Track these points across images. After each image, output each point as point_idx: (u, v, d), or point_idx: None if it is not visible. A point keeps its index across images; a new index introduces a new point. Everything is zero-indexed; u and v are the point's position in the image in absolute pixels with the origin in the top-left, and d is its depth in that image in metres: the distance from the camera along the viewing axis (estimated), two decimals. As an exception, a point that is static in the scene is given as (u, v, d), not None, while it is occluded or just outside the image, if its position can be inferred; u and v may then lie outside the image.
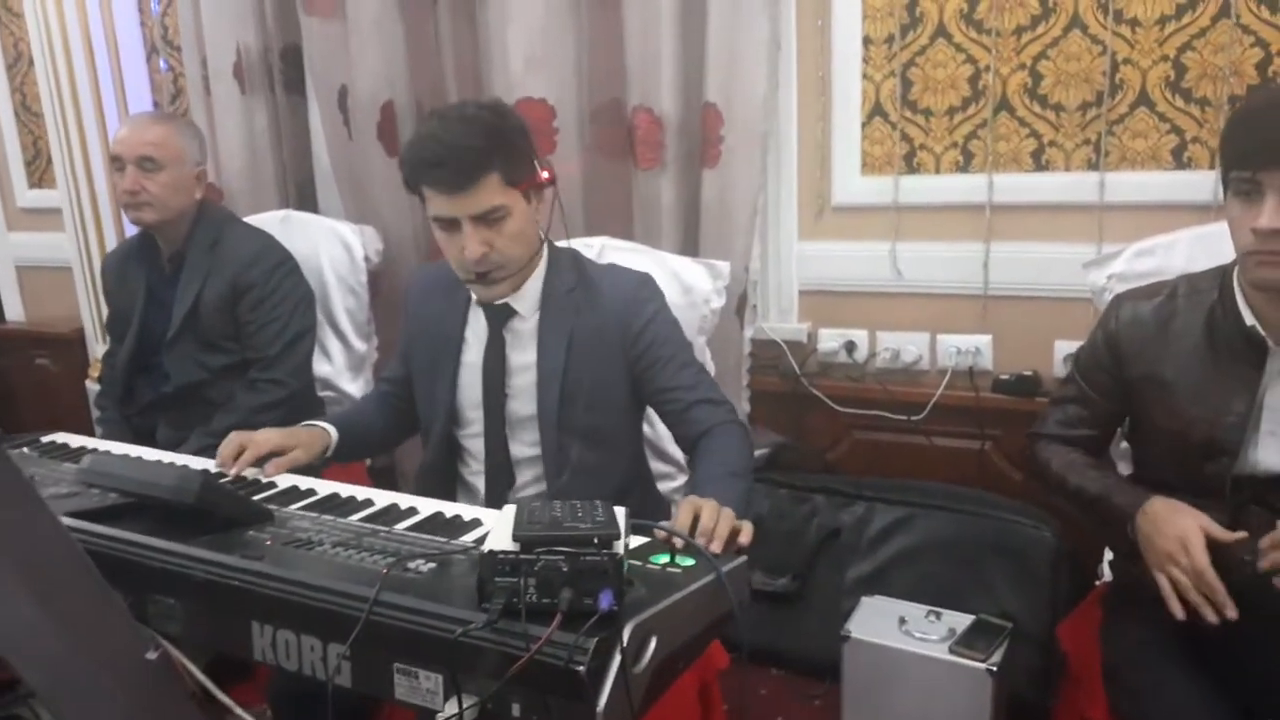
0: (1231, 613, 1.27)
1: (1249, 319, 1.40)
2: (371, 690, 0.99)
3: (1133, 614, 1.50)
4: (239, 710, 1.03)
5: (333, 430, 1.70)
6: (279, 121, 2.85)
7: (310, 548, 1.12)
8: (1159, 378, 1.48)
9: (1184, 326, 1.47)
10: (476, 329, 1.69)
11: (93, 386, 3.14)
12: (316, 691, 1.02)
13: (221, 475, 1.50)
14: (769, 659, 2.37)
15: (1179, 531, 1.33)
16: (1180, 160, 2.04)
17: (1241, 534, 1.32)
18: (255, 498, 1.33)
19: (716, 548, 1.16)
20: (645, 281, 1.68)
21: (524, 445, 1.66)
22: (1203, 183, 2.00)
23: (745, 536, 1.23)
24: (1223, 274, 1.47)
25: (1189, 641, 1.37)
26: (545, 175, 1.58)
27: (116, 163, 2.15)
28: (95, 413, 2.44)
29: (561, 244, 1.70)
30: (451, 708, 0.92)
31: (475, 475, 1.71)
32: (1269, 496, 1.41)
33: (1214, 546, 1.31)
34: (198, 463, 1.56)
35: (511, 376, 1.65)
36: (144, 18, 3.13)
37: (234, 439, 1.55)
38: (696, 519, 1.22)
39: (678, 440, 1.66)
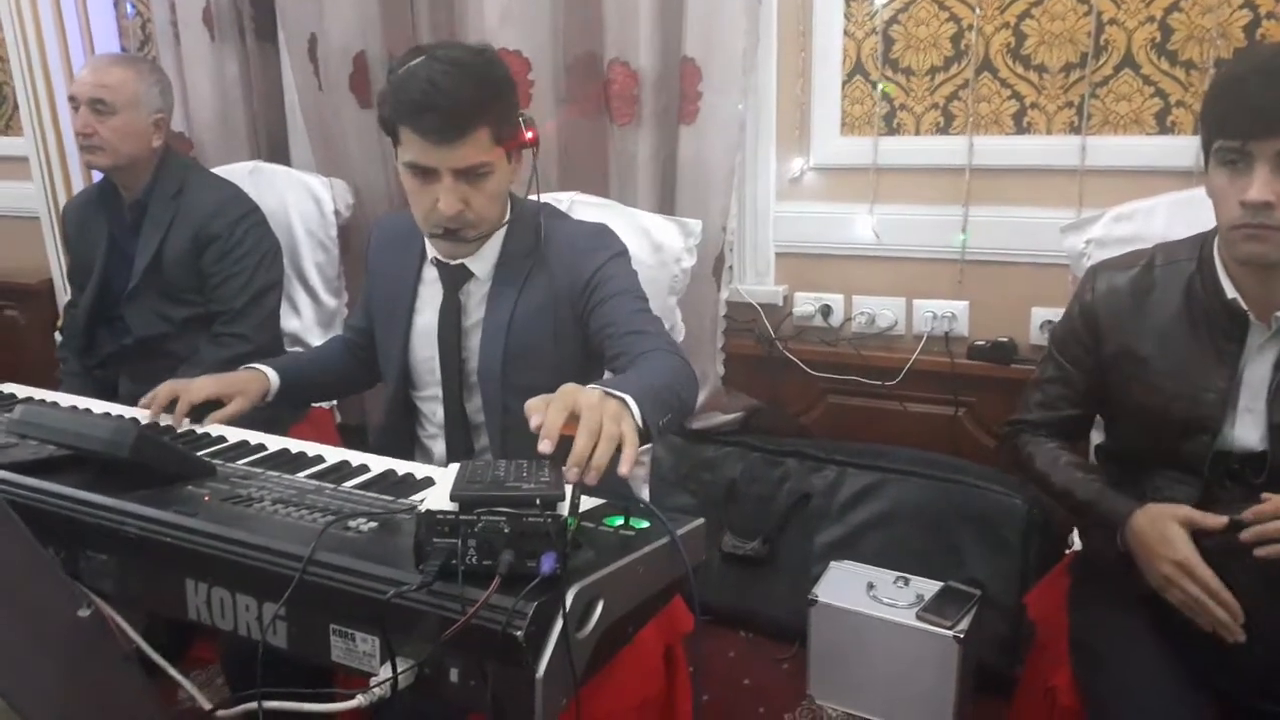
0: (1240, 636, 1.25)
1: (1230, 291, 1.36)
2: (308, 652, 0.96)
3: (1100, 584, 1.48)
4: (172, 671, 1.01)
5: (273, 375, 1.65)
6: (250, 70, 2.78)
7: (249, 504, 1.09)
8: (1136, 353, 1.44)
9: (1162, 298, 1.43)
10: (430, 290, 1.62)
11: (61, 338, 3.09)
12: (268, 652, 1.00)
13: (164, 429, 1.46)
14: (737, 621, 2.37)
15: (1173, 553, 1.29)
16: (1164, 125, 2.00)
17: (1223, 520, 1.29)
18: (202, 452, 1.30)
19: (591, 479, 1.01)
20: (599, 231, 1.62)
21: (481, 410, 1.61)
22: (1185, 148, 1.96)
23: (625, 466, 1.05)
24: (1200, 244, 1.42)
25: (1154, 612, 1.36)
26: (530, 135, 1.50)
27: (73, 102, 2.10)
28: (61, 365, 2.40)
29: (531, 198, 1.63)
30: (386, 671, 0.89)
31: (431, 438, 1.67)
32: (1244, 473, 1.38)
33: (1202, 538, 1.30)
34: (144, 415, 1.52)
35: (467, 339, 1.60)
36: (110, -39, 3.04)
37: (165, 388, 1.51)
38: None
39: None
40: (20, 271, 3.44)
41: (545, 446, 1.01)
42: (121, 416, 1.50)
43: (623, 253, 1.60)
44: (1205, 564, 1.27)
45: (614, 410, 1.09)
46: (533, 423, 1.05)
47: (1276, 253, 1.27)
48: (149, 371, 2.15)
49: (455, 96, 1.38)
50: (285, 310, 2.37)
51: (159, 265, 2.14)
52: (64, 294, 3.15)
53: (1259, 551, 1.21)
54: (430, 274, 1.62)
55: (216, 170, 2.40)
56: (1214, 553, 1.27)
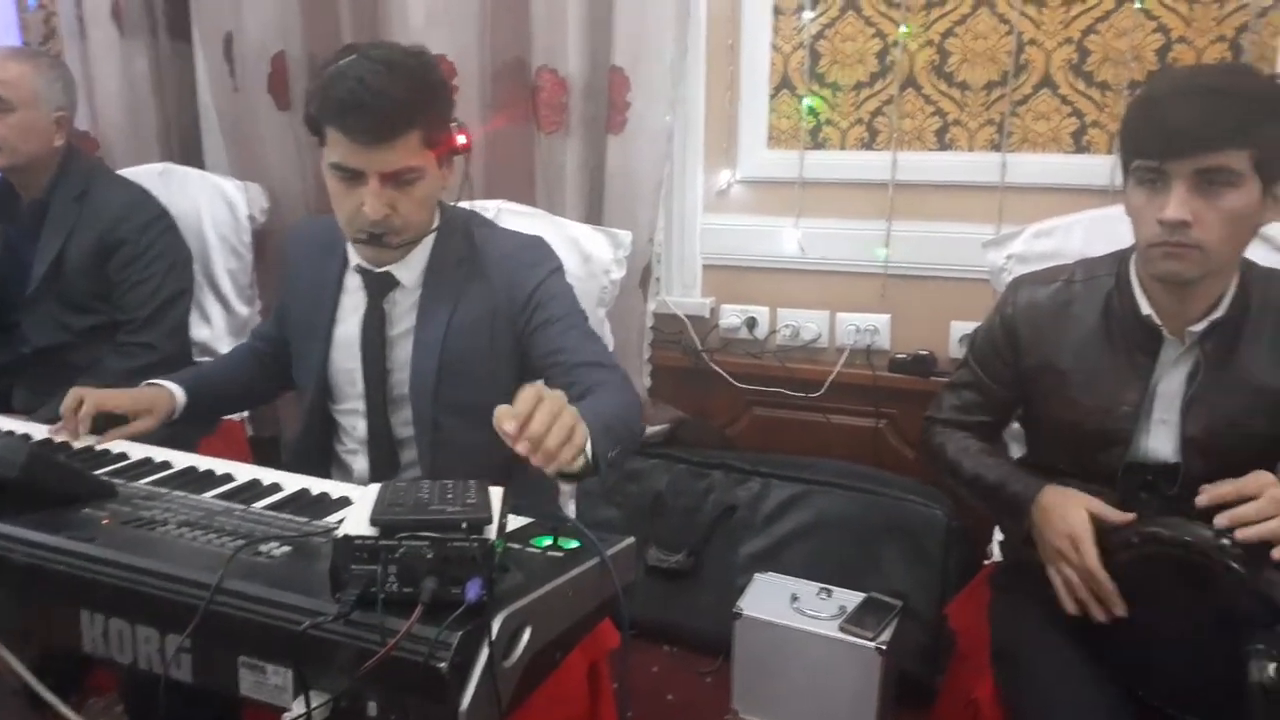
0: (1120, 610, 1.28)
1: (1145, 308, 1.40)
2: (215, 685, 0.91)
3: (1020, 594, 1.50)
4: (64, 709, 0.94)
5: (179, 392, 1.57)
6: (161, 68, 2.69)
7: (152, 528, 1.03)
8: (1055, 366, 1.47)
9: (1080, 313, 1.46)
10: (353, 298, 1.57)
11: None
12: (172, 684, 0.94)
13: (59, 445, 1.38)
14: (661, 636, 2.35)
15: (1068, 528, 1.32)
16: (1080, 144, 2.05)
17: (1130, 515, 1.32)
18: (102, 470, 1.22)
19: (539, 460, 1.03)
20: (536, 245, 1.59)
21: (407, 425, 1.56)
22: (1100, 167, 2.02)
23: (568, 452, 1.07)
24: (1119, 260, 1.46)
25: (1074, 622, 1.38)
26: (463, 141, 1.46)
27: None
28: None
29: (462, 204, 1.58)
30: (300, 706, 0.84)
31: (351, 453, 1.61)
32: (1158, 483, 1.42)
33: (1103, 529, 1.32)
34: (40, 430, 1.43)
35: (391, 350, 1.55)
36: (10, -51, 2.90)
37: (73, 394, 1.42)
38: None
39: None
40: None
41: (509, 426, 1.03)
42: (11, 433, 1.41)
43: (559, 267, 1.58)
44: (1095, 548, 1.29)
45: (574, 411, 1.10)
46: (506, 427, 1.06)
47: (1191, 270, 1.30)
48: (47, 383, 2.05)
49: (386, 96, 1.33)
50: (195, 319, 2.28)
51: (60, 271, 2.04)
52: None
53: (1241, 534, 1.21)
54: (353, 282, 1.57)
55: (124, 172, 2.30)
56: (1130, 565, 1.29)
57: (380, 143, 1.36)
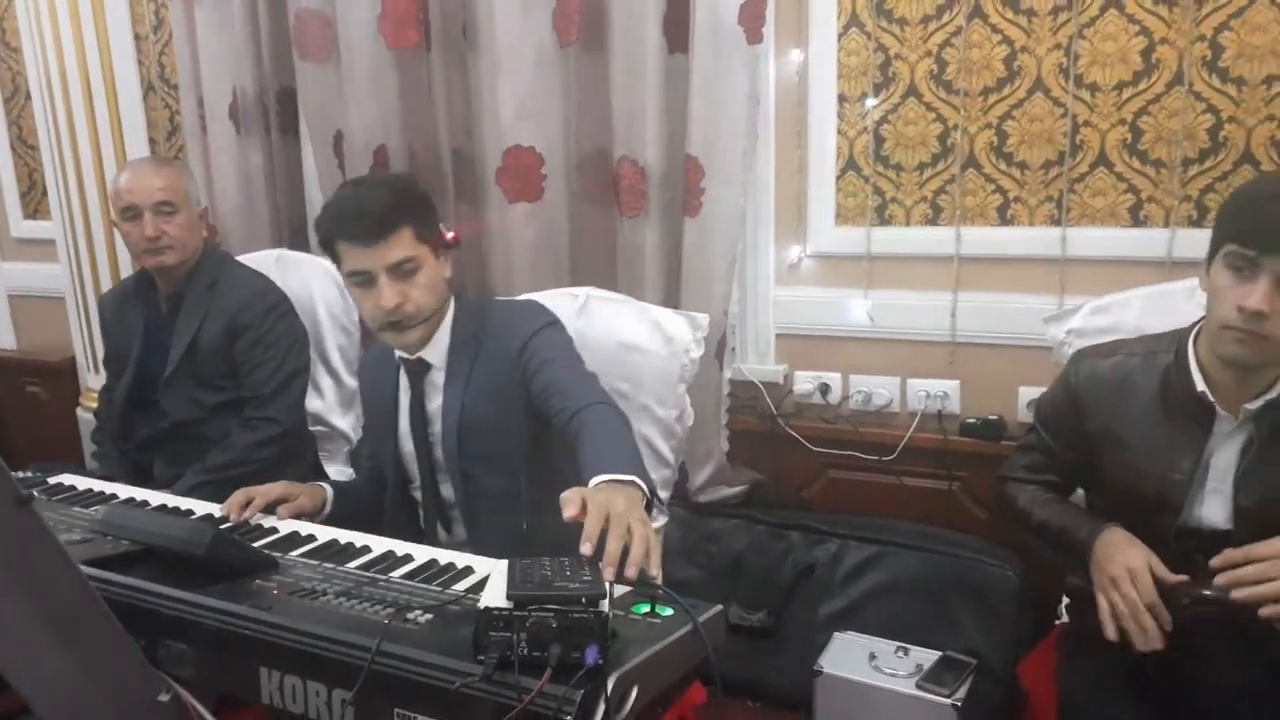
0: (1158, 644, 1.36)
1: (1200, 384, 1.49)
2: (373, 733, 1.07)
3: (1085, 655, 1.59)
4: (249, 753, 1.10)
5: (329, 489, 1.83)
6: (273, 162, 2.92)
7: (315, 597, 1.20)
8: (1115, 434, 1.58)
9: (1140, 386, 1.57)
10: (405, 394, 1.82)
11: (84, 415, 3.20)
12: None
13: (227, 522, 1.59)
14: (745, 692, 2.44)
15: (1129, 562, 1.43)
16: (1137, 218, 2.15)
17: (1183, 577, 1.41)
18: (259, 542, 1.41)
19: (631, 574, 1.17)
20: (528, 306, 1.84)
21: (448, 485, 1.79)
22: (1157, 240, 2.11)
23: (655, 569, 1.21)
24: (1177, 339, 1.56)
25: (1136, 681, 1.46)
26: (451, 236, 1.75)
27: (130, 212, 2.22)
28: (91, 447, 2.50)
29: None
30: (448, 752, 0.99)
31: (428, 520, 1.86)
32: (1212, 548, 1.50)
33: (1158, 586, 1.41)
34: (203, 507, 1.64)
35: (431, 424, 1.79)
36: (141, 55, 3.20)
37: (241, 493, 1.65)
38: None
39: (561, 436, 1.64)
40: (44, 349, 3.57)
41: (586, 549, 1.16)
42: (184, 512, 1.62)
43: (552, 323, 1.79)
44: (1153, 584, 1.39)
45: (640, 514, 1.24)
46: (566, 512, 1.21)
47: (1256, 358, 1.40)
48: (183, 453, 2.28)
49: (377, 202, 1.63)
50: (309, 390, 2.47)
51: (194, 353, 2.26)
52: (87, 372, 3.27)
53: (1236, 594, 1.32)
54: (404, 380, 1.81)
55: (243, 258, 2.53)
56: (1193, 624, 1.38)
57: (380, 239, 1.62)
